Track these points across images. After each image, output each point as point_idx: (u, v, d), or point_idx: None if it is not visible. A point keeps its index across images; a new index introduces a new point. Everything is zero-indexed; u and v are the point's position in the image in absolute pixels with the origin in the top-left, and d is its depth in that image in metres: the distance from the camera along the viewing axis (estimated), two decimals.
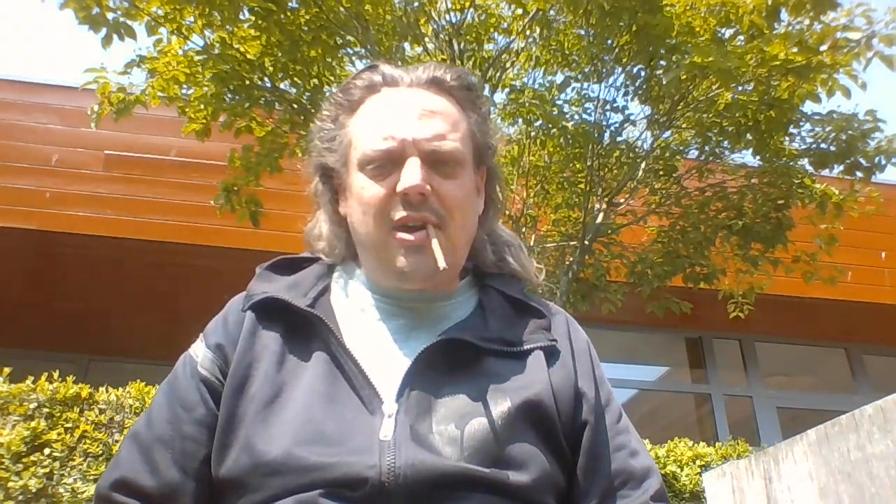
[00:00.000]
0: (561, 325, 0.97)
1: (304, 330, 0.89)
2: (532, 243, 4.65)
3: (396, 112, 0.91)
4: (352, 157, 0.93)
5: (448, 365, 0.86)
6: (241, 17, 3.76)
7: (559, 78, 4.48)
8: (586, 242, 4.26)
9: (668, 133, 4.43)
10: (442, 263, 0.86)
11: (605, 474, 0.88)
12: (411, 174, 0.87)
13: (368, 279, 0.96)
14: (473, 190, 0.95)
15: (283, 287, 0.93)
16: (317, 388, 0.83)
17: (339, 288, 0.97)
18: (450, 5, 4.11)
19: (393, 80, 0.96)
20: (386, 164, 0.89)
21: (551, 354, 0.91)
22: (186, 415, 0.88)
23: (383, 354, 0.88)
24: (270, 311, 0.91)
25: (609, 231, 4.50)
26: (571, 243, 4.48)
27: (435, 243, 0.87)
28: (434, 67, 0.98)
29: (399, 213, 0.88)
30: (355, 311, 0.94)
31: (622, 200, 4.51)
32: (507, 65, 4.44)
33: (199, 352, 0.93)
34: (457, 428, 0.80)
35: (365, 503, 0.75)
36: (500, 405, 0.82)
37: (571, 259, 4.36)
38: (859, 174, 4.00)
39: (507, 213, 4.54)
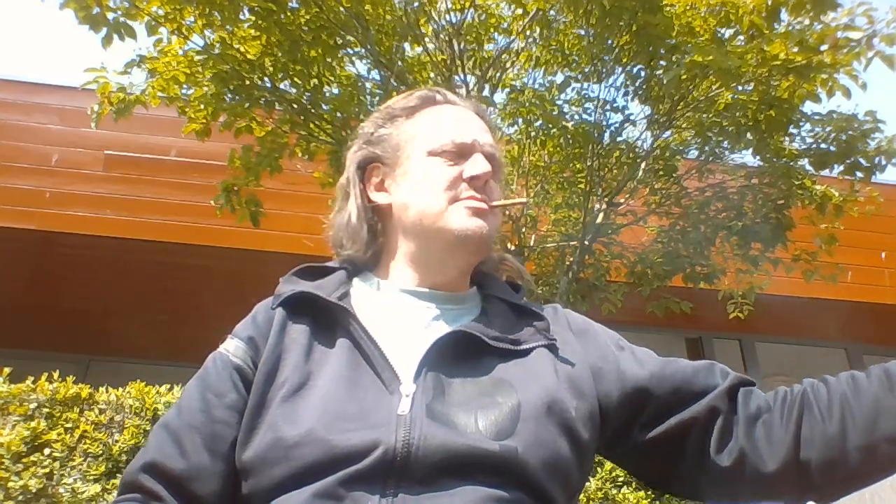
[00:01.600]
0: (558, 319, 1.05)
1: (331, 322, 0.96)
2: (532, 243, 4.65)
3: (463, 119, 1.08)
4: (416, 147, 1.05)
5: (460, 357, 0.92)
6: (241, 17, 3.76)
7: (559, 78, 4.48)
8: (586, 242, 4.26)
9: (668, 133, 4.43)
10: (523, 200, 1.16)
11: (687, 373, 0.96)
12: (483, 163, 1.02)
13: (388, 277, 1.05)
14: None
15: (310, 286, 1.00)
16: (341, 373, 0.89)
17: (359, 291, 1.04)
18: (450, 5, 4.11)
19: (451, 100, 1.12)
20: (455, 155, 1.03)
21: (554, 350, 0.97)
22: (218, 400, 0.93)
23: (403, 341, 0.93)
24: (299, 307, 0.98)
25: (609, 231, 4.50)
26: (571, 243, 4.48)
27: (503, 201, 1.06)
28: (476, 102, 1.16)
29: (467, 192, 1.01)
30: (376, 306, 1.00)
31: (622, 200, 4.51)
32: (507, 65, 4.44)
33: (231, 346, 0.98)
34: (470, 410, 0.85)
35: (380, 473, 0.79)
36: (511, 397, 0.87)
37: (571, 259, 4.36)
38: (859, 174, 4.00)
39: (507, 212, 4.54)
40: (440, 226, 0.99)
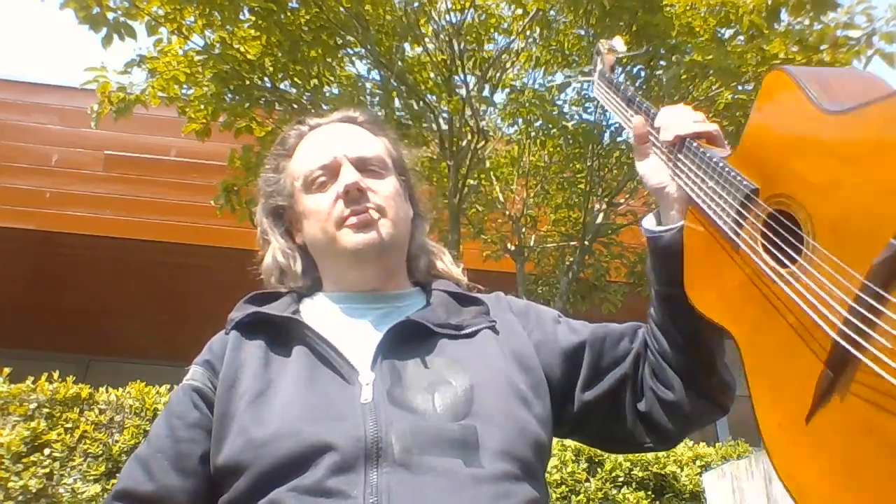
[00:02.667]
0: (500, 304, 1.11)
1: (285, 335, 1.00)
2: (532, 243, 4.65)
3: (324, 138, 1.12)
4: (297, 187, 1.10)
5: (410, 344, 0.97)
6: (242, 17, 3.76)
7: (559, 78, 4.48)
8: (586, 242, 4.26)
9: None
10: (384, 224, 1.04)
11: (615, 335, 1.04)
12: (347, 174, 1.04)
13: (332, 291, 1.10)
14: (400, 191, 1.12)
15: (261, 309, 1.05)
16: (300, 374, 0.93)
17: (308, 307, 1.09)
18: (450, 5, 4.11)
19: (317, 124, 1.16)
20: (325, 178, 1.06)
21: (497, 331, 1.03)
22: (180, 422, 0.97)
23: (354, 339, 0.98)
24: (252, 328, 1.02)
25: (609, 231, 4.51)
26: (571, 243, 4.48)
27: (378, 217, 1.05)
28: (345, 110, 1.20)
29: (345, 211, 1.03)
30: (324, 315, 1.06)
31: (622, 200, 4.51)
32: (508, 65, 4.44)
33: (189, 374, 1.03)
34: (427, 393, 0.90)
35: (350, 461, 0.82)
36: (462, 378, 0.92)
37: (571, 259, 4.36)
38: None
39: (507, 213, 4.54)
40: (337, 249, 1.04)
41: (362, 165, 1.06)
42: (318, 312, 1.06)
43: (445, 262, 1.18)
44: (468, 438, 0.86)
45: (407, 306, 1.06)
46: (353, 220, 1.02)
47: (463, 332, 1.01)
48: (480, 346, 0.99)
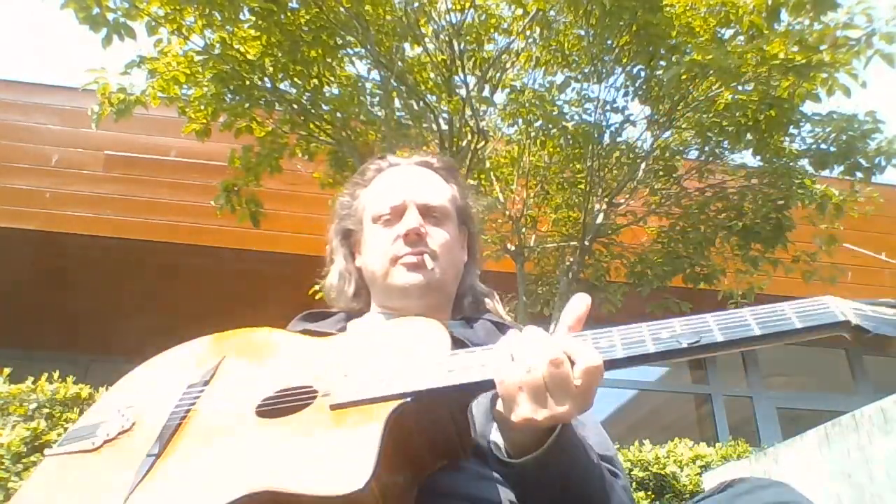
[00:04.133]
0: None
1: None
2: (532, 243, 4.65)
3: (398, 179, 1.23)
4: (366, 217, 1.22)
5: None
6: (242, 17, 3.76)
7: (559, 78, 4.48)
8: (586, 243, 4.26)
9: (668, 133, 4.43)
10: (434, 269, 1.13)
11: None
12: (410, 219, 1.16)
13: (379, 311, 1.19)
14: (458, 240, 1.23)
15: (312, 325, 1.15)
16: None
17: (354, 325, 1.18)
18: (450, 6, 4.11)
19: (396, 163, 1.28)
20: (392, 217, 1.17)
21: None
22: None
23: None
24: None
25: (609, 231, 4.50)
26: (571, 243, 4.48)
27: (430, 261, 1.14)
28: (426, 154, 1.35)
29: (402, 250, 1.14)
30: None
31: (622, 201, 4.51)
32: (508, 65, 4.44)
33: None
34: None
35: None
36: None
37: (571, 259, 4.36)
38: (859, 175, 4.00)
39: (507, 213, 4.54)
40: (388, 283, 1.15)
41: (426, 211, 1.18)
42: (362, 328, 1.15)
43: (494, 302, 1.28)
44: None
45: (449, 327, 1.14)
46: (407, 259, 1.13)
47: None
48: None
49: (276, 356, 0.99)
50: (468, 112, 3.95)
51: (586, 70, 4.32)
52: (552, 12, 3.99)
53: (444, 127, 4.09)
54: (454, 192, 1.26)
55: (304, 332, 1.08)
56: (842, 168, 4.02)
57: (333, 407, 0.81)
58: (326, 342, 1.01)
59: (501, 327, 1.14)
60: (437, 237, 1.17)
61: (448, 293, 1.20)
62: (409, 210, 1.16)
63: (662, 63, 3.95)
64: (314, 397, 0.85)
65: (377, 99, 4.20)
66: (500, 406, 0.81)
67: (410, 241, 1.14)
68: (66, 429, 2.51)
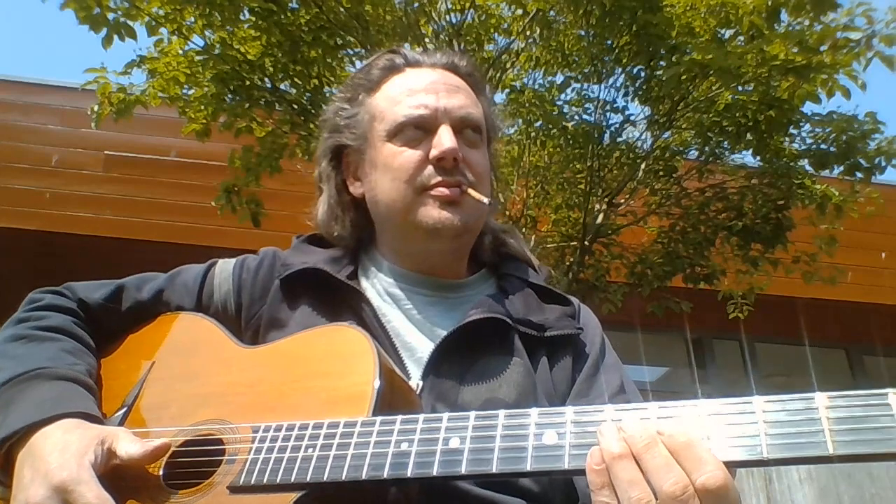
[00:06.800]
0: (583, 314, 0.99)
1: (337, 301, 0.91)
2: (532, 244, 4.65)
3: (425, 85, 0.94)
4: (376, 130, 0.94)
5: (472, 350, 0.86)
6: (242, 17, 3.76)
7: (559, 78, 4.48)
8: (586, 243, 4.26)
9: (668, 133, 4.43)
10: (486, 199, 0.88)
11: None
12: (446, 138, 0.89)
13: (392, 265, 0.97)
14: (491, 168, 0.99)
15: (322, 260, 0.95)
16: None
17: (365, 271, 0.98)
18: (450, 6, 4.11)
19: (415, 60, 0.98)
20: (418, 132, 0.91)
21: (576, 346, 0.91)
22: (170, 289, 1.02)
23: (410, 334, 0.90)
24: (304, 280, 0.93)
25: (609, 231, 4.50)
26: (571, 244, 4.48)
27: (472, 191, 0.89)
28: (450, 54, 1.01)
29: (434, 179, 0.89)
30: (382, 293, 0.95)
31: (622, 201, 4.51)
32: (508, 65, 4.44)
33: (226, 270, 1.01)
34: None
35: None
36: (525, 398, 0.83)
37: (571, 259, 4.36)
38: (859, 175, 4.00)
39: (507, 213, 4.54)
40: (410, 220, 0.91)
41: (460, 129, 0.92)
42: (373, 282, 0.95)
43: (520, 242, 1.04)
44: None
45: (463, 298, 0.95)
46: (441, 190, 0.88)
47: (543, 334, 0.89)
48: (553, 362, 0.88)
49: (197, 373, 0.88)
50: None
51: (586, 70, 4.32)
52: (552, 12, 3.99)
53: None
54: (485, 106, 1.00)
55: (308, 270, 0.92)
56: (842, 168, 4.02)
57: (233, 490, 0.73)
58: (248, 354, 0.86)
59: (548, 295, 0.93)
60: (474, 164, 0.92)
61: (476, 236, 0.98)
62: (444, 127, 0.90)
63: (662, 63, 3.95)
64: (221, 459, 0.76)
65: None
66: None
67: (446, 169, 0.89)
68: None
